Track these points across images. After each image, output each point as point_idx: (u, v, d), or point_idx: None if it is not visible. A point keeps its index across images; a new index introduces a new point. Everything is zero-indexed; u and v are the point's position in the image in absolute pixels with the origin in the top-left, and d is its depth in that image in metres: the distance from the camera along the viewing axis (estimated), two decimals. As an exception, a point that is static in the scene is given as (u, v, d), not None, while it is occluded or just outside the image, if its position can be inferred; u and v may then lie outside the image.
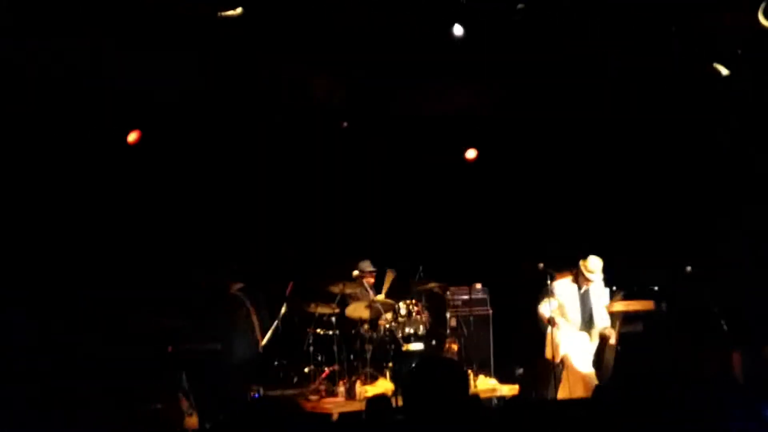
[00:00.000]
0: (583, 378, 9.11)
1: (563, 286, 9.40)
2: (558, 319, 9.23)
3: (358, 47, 9.80)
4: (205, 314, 9.51)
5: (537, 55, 9.71)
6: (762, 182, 10.51)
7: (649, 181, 11.47)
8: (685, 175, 11.22)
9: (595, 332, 9.38)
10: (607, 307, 10.43)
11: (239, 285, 9.65)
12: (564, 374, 9.28)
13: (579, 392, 8.86)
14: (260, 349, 9.67)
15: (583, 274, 9.36)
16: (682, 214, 11.25)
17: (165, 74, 9.52)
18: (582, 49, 9.82)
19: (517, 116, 11.44)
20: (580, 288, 9.43)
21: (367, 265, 10.45)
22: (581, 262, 9.39)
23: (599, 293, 9.50)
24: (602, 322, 9.43)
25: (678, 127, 10.82)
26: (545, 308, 9.32)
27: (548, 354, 9.37)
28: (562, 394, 9.02)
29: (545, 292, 9.40)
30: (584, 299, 9.43)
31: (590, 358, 9.28)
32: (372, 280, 10.66)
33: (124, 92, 9.60)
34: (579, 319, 9.39)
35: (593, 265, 9.34)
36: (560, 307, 9.37)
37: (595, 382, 8.96)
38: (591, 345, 9.37)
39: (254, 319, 9.55)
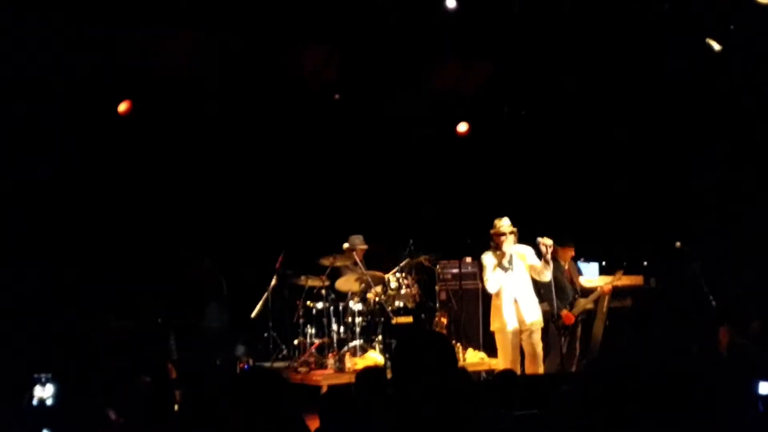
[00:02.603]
0: (507, 359, 8.94)
1: (488, 257, 9.15)
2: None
3: (353, 20, 9.79)
4: (181, 289, 9.63)
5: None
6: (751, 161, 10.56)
7: (642, 158, 11.50)
8: (675, 152, 11.25)
9: (532, 310, 9.09)
10: (606, 285, 10.37)
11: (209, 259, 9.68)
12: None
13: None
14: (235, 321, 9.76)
15: (496, 241, 9.11)
16: (672, 191, 11.31)
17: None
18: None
19: (509, 91, 11.44)
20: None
21: (359, 241, 10.39)
22: (491, 231, 9.12)
23: (518, 254, 9.15)
24: (520, 285, 9.07)
25: (670, 102, 10.83)
26: (489, 284, 9.09)
27: (492, 326, 9.28)
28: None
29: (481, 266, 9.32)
30: (509, 265, 9.09)
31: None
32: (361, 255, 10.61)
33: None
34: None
35: (499, 226, 9.05)
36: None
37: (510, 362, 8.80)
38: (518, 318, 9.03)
39: (225, 291, 9.59)
